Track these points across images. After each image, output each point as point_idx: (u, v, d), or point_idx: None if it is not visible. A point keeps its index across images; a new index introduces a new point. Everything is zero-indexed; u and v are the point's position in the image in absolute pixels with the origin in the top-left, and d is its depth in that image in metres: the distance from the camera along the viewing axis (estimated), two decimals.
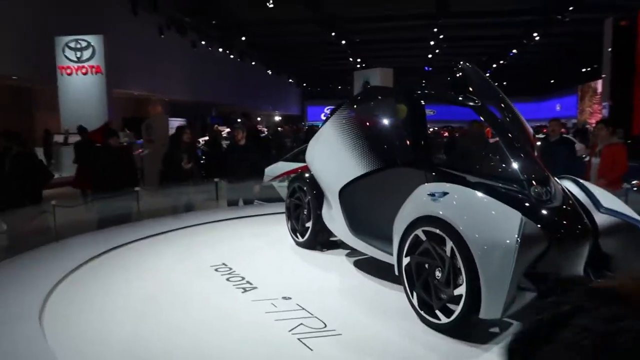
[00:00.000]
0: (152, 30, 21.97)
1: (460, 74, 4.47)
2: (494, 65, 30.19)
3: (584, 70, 27.26)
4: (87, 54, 17.98)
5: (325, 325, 3.22)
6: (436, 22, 21.45)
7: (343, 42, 24.89)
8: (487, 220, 2.91)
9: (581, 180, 3.69)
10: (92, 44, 17.94)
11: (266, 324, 3.26)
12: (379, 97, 4.24)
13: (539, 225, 3.00)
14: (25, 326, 3.12)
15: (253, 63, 30.01)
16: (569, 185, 3.67)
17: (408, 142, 3.73)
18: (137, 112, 23.82)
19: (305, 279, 4.24)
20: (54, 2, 18.16)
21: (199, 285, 4.08)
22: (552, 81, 33.15)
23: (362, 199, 4.14)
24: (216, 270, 4.45)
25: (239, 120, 7.31)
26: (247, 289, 3.97)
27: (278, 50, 30.43)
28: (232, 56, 27.68)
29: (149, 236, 5.60)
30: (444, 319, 2.99)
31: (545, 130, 8.21)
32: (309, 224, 4.95)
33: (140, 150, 12.31)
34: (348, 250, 4.86)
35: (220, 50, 26.45)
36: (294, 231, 5.26)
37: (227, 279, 4.20)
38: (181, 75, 26.16)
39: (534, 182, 3.33)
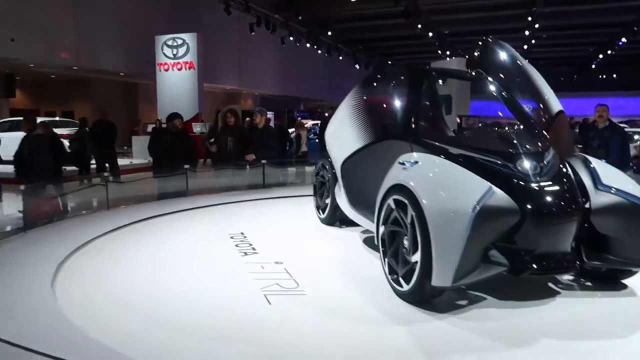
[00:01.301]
0: (244, 28, 23.16)
1: (477, 51, 4.35)
2: (600, 56, 27.56)
3: None
4: (182, 50, 19.41)
5: (297, 286, 3.37)
6: (530, 11, 20.11)
7: (430, 34, 24.27)
8: (447, 189, 2.86)
9: (590, 158, 3.42)
10: (186, 41, 19.31)
11: (245, 281, 3.50)
12: (385, 75, 4.24)
13: (512, 199, 2.86)
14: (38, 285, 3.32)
15: (340, 58, 30.34)
16: (576, 163, 3.42)
17: (399, 116, 3.71)
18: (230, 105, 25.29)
19: (305, 249, 4.41)
20: (155, 2, 19.85)
21: (209, 249, 4.42)
22: None
23: (358, 172, 4.19)
24: (231, 237, 4.77)
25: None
26: (248, 253, 4.23)
27: (366, 44, 30.45)
28: (319, 51, 28.22)
29: (188, 209, 6.11)
30: (405, 287, 2.98)
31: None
32: (328, 200, 5.08)
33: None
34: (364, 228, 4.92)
35: (308, 45, 27.08)
36: (317, 208, 5.42)
37: (236, 245, 4.50)
38: (271, 71, 27.26)
39: (524, 156, 3.17)
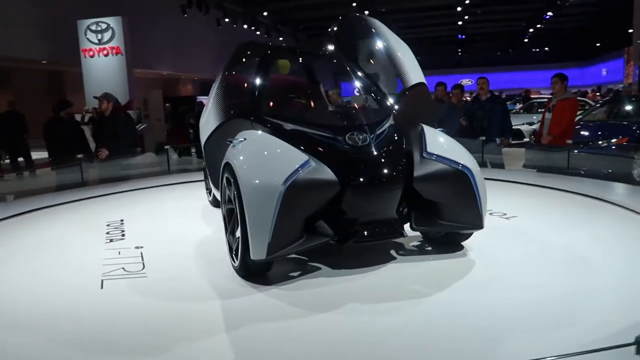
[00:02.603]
0: (175, 10, 22.49)
1: (335, 27, 4.42)
2: (531, 30, 28.51)
3: (630, 31, 25.12)
4: (107, 35, 18.60)
5: (142, 269, 3.38)
6: None
7: (366, 12, 24.38)
8: (263, 164, 2.91)
9: (425, 128, 3.55)
10: (111, 25, 18.53)
11: (92, 267, 3.44)
12: (240, 54, 4.22)
13: (332, 171, 2.94)
14: None
15: (280, 39, 30.07)
16: (413, 133, 3.53)
17: (244, 94, 3.72)
18: (169, 92, 24.58)
19: (177, 233, 4.37)
20: None
21: (76, 239, 4.33)
22: (597, 45, 30.90)
23: (212, 152, 4.21)
24: (108, 225, 4.69)
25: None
26: (114, 240, 4.18)
27: (304, 23, 30.26)
28: (258, 32, 27.84)
29: (80, 199, 5.97)
30: (235, 262, 3.04)
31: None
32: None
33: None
34: None
35: (245, 27, 26.66)
36: (206, 190, 5.43)
37: (107, 232, 4.43)
38: (209, 54, 26.65)
39: (355, 129, 3.25)
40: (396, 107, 3.87)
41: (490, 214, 4.55)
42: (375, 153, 3.18)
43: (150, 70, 23.17)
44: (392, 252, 3.50)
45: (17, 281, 3.29)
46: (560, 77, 6.28)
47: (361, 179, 3.00)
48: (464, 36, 30.22)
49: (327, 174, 2.93)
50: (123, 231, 4.46)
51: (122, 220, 4.87)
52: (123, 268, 3.39)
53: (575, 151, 6.41)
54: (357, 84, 3.94)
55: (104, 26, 18.45)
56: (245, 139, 3.17)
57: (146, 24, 20.63)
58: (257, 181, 2.78)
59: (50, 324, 2.60)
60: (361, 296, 2.78)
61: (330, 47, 4.21)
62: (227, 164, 3.09)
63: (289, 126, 3.33)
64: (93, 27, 18.44)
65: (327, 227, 2.98)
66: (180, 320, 2.58)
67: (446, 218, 3.24)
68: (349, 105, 3.88)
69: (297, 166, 2.83)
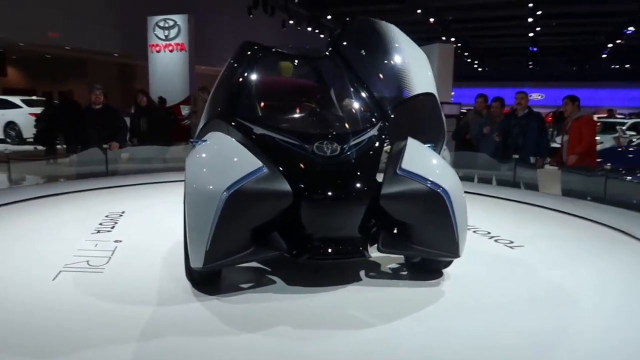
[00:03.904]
0: (240, 10, 23.04)
1: (339, 30, 4.22)
2: (610, 45, 26.54)
3: None
4: (173, 32, 19.37)
5: (106, 263, 3.37)
6: None
7: (432, 20, 23.75)
8: (213, 168, 2.77)
9: (410, 141, 3.26)
10: (178, 22, 19.28)
11: (60, 256, 3.47)
12: (235, 54, 4.10)
13: (287, 180, 2.75)
14: None
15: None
16: (398, 146, 3.27)
17: (227, 96, 3.60)
18: None
19: (165, 228, 4.29)
20: None
21: (70, 226, 4.41)
22: None
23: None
24: (107, 216, 4.76)
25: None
26: (101, 231, 4.22)
27: None
28: (322, 35, 27.93)
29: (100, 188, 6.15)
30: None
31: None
32: None
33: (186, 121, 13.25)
34: None
35: (310, 29, 26.82)
36: None
37: (100, 223, 4.50)
38: None
39: (326, 138, 3.04)
40: (392, 116, 3.61)
41: (496, 240, 4.19)
42: (341, 165, 2.95)
43: (212, 67, 23.87)
44: (362, 272, 3.25)
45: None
46: (571, 99, 6.13)
47: (317, 192, 2.78)
48: (535, 48, 28.67)
49: (280, 183, 2.73)
50: (116, 223, 4.51)
51: (122, 212, 4.93)
52: (87, 261, 3.38)
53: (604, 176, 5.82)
54: (347, 90, 3.71)
55: (171, 23, 19.21)
56: (205, 140, 3.05)
57: (211, 22, 21.27)
58: (200, 185, 2.65)
59: None
60: (298, 318, 2.57)
61: (329, 51, 4.00)
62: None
63: (259, 130, 3.17)
64: (161, 24, 19.26)
65: (280, 240, 2.79)
66: (98, 322, 2.49)
67: (417, 242, 2.95)
68: (328, 112, 3.66)
69: (245, 173, 2.66)
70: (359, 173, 2.94)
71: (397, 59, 3.88)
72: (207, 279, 2.92)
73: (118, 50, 19.90)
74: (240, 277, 3.09)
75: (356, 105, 3.63)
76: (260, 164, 2.76)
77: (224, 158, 2.82)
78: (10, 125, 13.08)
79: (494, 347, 2.32)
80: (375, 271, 3.31)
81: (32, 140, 11.48)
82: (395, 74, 3.83)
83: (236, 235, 2.66)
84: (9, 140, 13.05)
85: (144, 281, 3.06)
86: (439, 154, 4.17)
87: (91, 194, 5.94)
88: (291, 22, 25.48)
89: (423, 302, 2.81)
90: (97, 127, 6.58)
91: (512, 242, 4.12)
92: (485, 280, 3.23)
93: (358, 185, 2.87)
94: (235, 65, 3.83)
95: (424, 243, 2.95)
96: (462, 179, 7.91)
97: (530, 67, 33.86)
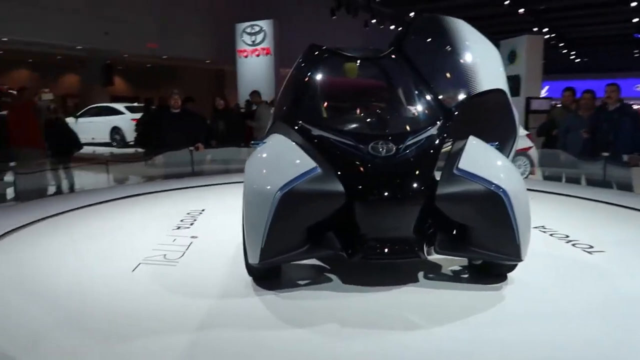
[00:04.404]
0: (324, 12, 23.40)
1: (403, 29, 4.19)
2: None
3: None
4: (259, 37, 20.18)
5: (180, 257, 3.65)
6: None
7: (521, 10, 22.44)
8: (267, 169, 2.88)
9: (471, 140, 3.18)
10: (264, 28, 20.04)
11: (142, 249, 3.80)
12: (303, 58, 4.20)
13: (340, 181, 2.81)
14: None
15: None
16: (458, 145, 3.20)
17: (290, 98, 3.73)
18: None
19: (236, 227, 4.52)
20: None
21: (155, 222, 4.80)
22: None
23: None
24: (188, 213, 5.13)
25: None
26: (181, 227, 4.57)
27: None
28: None
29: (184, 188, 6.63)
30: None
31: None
32: None
33: None
34: None
35: (393, 27, 26.55)
36: None
37: (181, 220, 4.86)
38: None
39: (382, 138, 3.06)
40: (456, 114, 3.54)
41: (573, 245, 3.94)
42: (396, 165, 2.95)
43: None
44: (420, 274, 3.22)
45: (75, 257, 3.75)
46: None
47: (370, 192, 2.80)
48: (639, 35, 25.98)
49: (333, 184, 2.79)
50: (195, 220, 4.84)
51: (202, 210, 5.28)
52: (164, 255, 3.68)
53: None
54: (408, 90, 3.68)
55: (257, 29, 20.02)
56: (265, 142, 3.19)
57: (295, 25, 21.80)
58: (256, 185, 2.79)
59: (68, 295, 2.96)
60: (348, 316, 2.62)
61: (391, 50, 3.99)
62: None
63: (317, 132, 3.26)
64: (248, 30, 20.14)
65: (334, 239, 2.85)
66: (164, 310, 2.72)
67: (475, 244, 2.87)
68: (387, 112, 3.64)
69: (299, 173, 2.75)
70: (414, 173, 2.92)
71: (463, 56, 3.78)
72: (266, 275, 3.06)
73: (209, 57, 21.11)
74: (299, 274, 3.20)
75: (417, 104, 3.61)
76: (314, 164, 2.85)
77: (280, 159, 2.95)
78: (115, 129, 14.40)
79: (542, 358, 2.20)
80: (434, 273, 3.26)
81: (133, 143, 12.56)
82: (461, 71, 3.74)
83: (290, 233, 2.77)
84: (114, 143, 14.38)
85: (210, 275, 3.27)
86: (510, 152, 4.01)
87: (177, 193, 6.40)
88: (374, 21, 25.40)
89: (478, 307, 2.73)
90: (176, 130, 6.94)
91: (591, 247, 3.84)
92: (552, 287, 3.05)
93: (412, 185, 2.86)
94: (299, 68, 3.96)
95: (482, 245, 2.86)
96: (548, 178, 7.60)
97: (637, 55, 30.69)
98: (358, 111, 3.62)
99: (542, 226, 4.53)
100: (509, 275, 3.14)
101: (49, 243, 4.10)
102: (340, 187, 2.79)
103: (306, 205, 2.75)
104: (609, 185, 6.21)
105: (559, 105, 8.37)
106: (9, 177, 6.35)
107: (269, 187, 2.72)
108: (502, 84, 3.83)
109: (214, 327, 2.52)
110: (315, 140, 3.19)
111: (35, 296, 2.96)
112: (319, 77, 3.84)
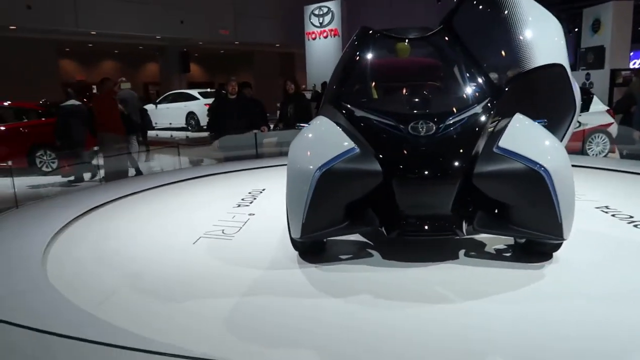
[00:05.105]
0: None
1: (454, 6, 4.13)
2: None
3: None
4: (327, 19, 20.25)
5: (237, 232, 3.95)
6: None
7: None
8: (308, 149, 3.03)
9: (516, 117, 3.15)
10: (331, 9, 20.07)
11: (204, 224, 4.16)
12: (353, 41, 4.26)
13: (377, 160, 2.91)
14: None
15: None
16: (502, 123, 3.18)
17: (338, 80, 3.84)
18: None
19: None
20: None
21: (219, 200, 5.14)
22: None
23: None
24: (250, 193, 5.46)
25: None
26: (241, 205, 4.89)
27: None
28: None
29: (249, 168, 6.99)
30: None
31: None
32: None
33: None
34: None
35: None
36: None
37: (242, 198, 5.18)
38: None
39: (421, 117, 3.12)
40: (506, 91, 3.49)
41: (635, 225, 3.78)
42: (435, 144, 2.99)
43: None
44: (462, 251, 3.26)
45: (144, 230, 4.17)
46: None
47: (408, 170, 2.88)
48: None
49: (370, 163, 2.90)
50: (255, 199, 5.14)
51: (263, 190, 5.57)
52: (223, 230, 4.00)
53: None
54: (455, 68, 3.65)
55: (325, 10, 20.10)
56: (309, 124, 3.35)
57: (363, 4, 21.59)
58: (297, 165, 2.96)
59: (135, 262, 3.34)
60: (382, 289, 2.75)
61: (440, 29, 3.96)
62: None
63: (360, 113, 3.36)
64: (316, 12, 20.28)
65: (373, 216, 2.97)
66: (216, 279, 3.00)
67: (516, 222, 2.87)
68: (432, 91, 3.64)
69: (337, 153, 2.89)
70: (452, 152, 2.96)
71: (517, 31, 3.69)
72: (310, 249, 3.25)
73: (279, 40, 21.51)
74: (342, 249, 3.37)
75: (463, 83, 3.59)
76: (352, 145, 2.97)
77: (321, 140, 3.10)
78: (191, 114, 15.23)
79: (566, 337, 2.20)
80: (476, 251, 3.29)
81: (205, 127, 13.22)
82: (515, 47, 3.66)
83: (330, 210, 2.92)
84: (190, 128, 15.23)
85: (261, 249, 3.52)
86: (568, 129, 3.88)
87: (243, 174, 6.76)
88: None
89: (514, 284, 2.75)
90: (233, 115, 7.24)
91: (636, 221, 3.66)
92: (598, 268, 2.98)
93: (450, 164, 2.90)
94: (347, 51, 4.05)
95: (523, 224, 2.86)
96: (627, 157, 7.13)
97: None
98: (402, 92, 3.67)
99: (606, 206, 4.35)
100: (555, 254, 3.10)
101: (123, 219, 4.57)
102: (377, 167, 2.90)
103: (344, 183, 2.89)
104: None
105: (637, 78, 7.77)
106: (96, 161, 7.05)
107: (309, 167, 2.89)
108: (561, 58, 3.71)
109: (258, 293, 2.76)
110: (358, 121, 3.29)
111: (108, 262, 3.38)
112: (365, 59, 3.92)
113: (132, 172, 7.05)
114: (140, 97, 12.62)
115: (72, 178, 6.93)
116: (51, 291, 2.78)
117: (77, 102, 7.16)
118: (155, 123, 15.27)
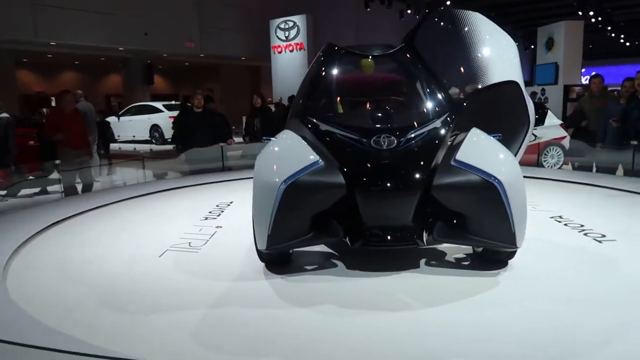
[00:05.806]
0: (358, 4, 23.42)
1: (415, 25, 4.32)
2: None
3: None
4: (293, 32, 20.44)
5: (203, 244, 3.93)
6: None
7: None
8: (273, 163, 3.12)
9: (472, 131, 3.31)
10: (297, 23, 20.27)
11: (171, 237, 4.14)
12: (318, 56, 4.39)
13: (342, 173, 3.01)
14: None
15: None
16: (459, 137, 3.34)
17: (302, 95, 3.95)
18: None
19: None
20: None
21: (186, 213, 5.12)
22: None
23: None
24: (217, 205, 5.45)
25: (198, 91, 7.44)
26: (208, 218, 4.88)
27: (496, 11, 28.30)
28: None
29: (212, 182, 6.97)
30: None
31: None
32: None
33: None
34: None
35: None
36: None
37: (210, 211, 5.18)
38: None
39: (383, 131, 3.24)
40: (464, 106, 3.66)
41: (585, 234, 3.99)
42: (397, 157, 3.12)
43: None
44: (422, 260, 3.39)
45: (109, 243, 4.11)
46: None
47: (370, 183, 2.99)
48: None
49: (334, 176, 3.00)
50: (222, 211, 5.15)
51: (230, 202, 5.58)
52: (189, 243, 4.00)
53: None
54: (415, 84, 3.83)
55: (291, 24, 20.28)
56: (276, 137, 3.43)
57: (329, 19, 21.95)
58: (263, 178, 3.03)
59: (100, 276, 3.30)
60: (345, 298, 2.83)
61: (402, 46, 4.14)
62: None
63: (324, 127, 3.46)
64: (282, 26, 20.45)
65: (338, 227, 3.06)
66: (182, 291, 3.00)
67: (473, 232, 3.01)
68: (393, 106, 3.80)
69: (302, 166, 2.97)
70: (413, 165, 3.08)
71: (475, 49, 3.89)
72: (276, 261, 3.31)
73: (245, 54, 21.57)
74: (307, 260, 3.43)
75: (423, 98, 3.75)
76: (317, 158, 3.06)
77: (286, 153, 3.18)
78: (155, 127, 15.06)
79: (520, 342, 2.32)
80: (437, 260, 3.42)
81: (170, 140, 13.10)
82: (473, 64, 3.85)
83: (295, 221, 2.99)
84: (153, 140, 15.05)
85: (227, 261, 3.55)
86: (522, 143, 4.09)
87: (209, 187, 6.74)
88: (409, 11, 25.17)
89: (471, 291, 2.88)
90: (198, 128, 7.26)
91: (603, 236, 3.88)
92: (551, 274, 3.14)
93: (410, 176, 3.02)
94: (312, 67, 4.17)
95: (479, 233, 3.00)
96: (579, 168, 7.51)
97: None
98: (366, 106, 3.80)
99: (560, 216, 4.58)
100: (510, 262, 3.26)
101: (87, 232, 4.50)
102: (341, 179, 3.00)
103: (308, 196, 2.97)
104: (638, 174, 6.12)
105: (585, 94, 8.22)
106: (54, 175, 6.87)
107: (274, 179, 2.96)
108: (515, 75, 3.91)
109: (224, 305, 2.79)
110: (323, 135, 3.39)
111: (72, 276, 3.34)
112: (330, 74, 4.05)
113: (79, 187, 6.87)
114: (101, 110, 12.44)
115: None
116: (12, 307, 2.73)
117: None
118: (118, 136, 15.01)
